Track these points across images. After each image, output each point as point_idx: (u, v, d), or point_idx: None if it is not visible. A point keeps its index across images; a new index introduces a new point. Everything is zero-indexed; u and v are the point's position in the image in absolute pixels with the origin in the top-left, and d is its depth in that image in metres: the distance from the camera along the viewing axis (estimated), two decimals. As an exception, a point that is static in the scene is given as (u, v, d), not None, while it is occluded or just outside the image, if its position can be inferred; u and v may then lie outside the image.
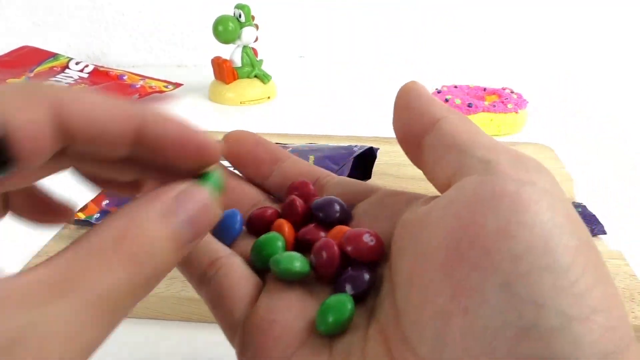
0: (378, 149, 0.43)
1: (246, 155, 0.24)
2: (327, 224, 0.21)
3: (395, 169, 0.47)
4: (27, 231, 0.42)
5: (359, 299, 0.19)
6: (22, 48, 0.77)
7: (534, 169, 0.16)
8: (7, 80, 0.67)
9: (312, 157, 0.41)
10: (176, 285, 0.33)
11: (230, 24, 0.66)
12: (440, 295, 0.15)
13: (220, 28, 0.66)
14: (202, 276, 0.20)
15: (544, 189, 0.16)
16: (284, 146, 0.45)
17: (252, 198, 0.24)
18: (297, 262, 0.19)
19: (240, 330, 0.19)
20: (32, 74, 0.71)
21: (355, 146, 0.43)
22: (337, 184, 0.23)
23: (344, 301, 0.18)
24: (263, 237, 0.21)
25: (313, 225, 0.21)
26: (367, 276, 0.19)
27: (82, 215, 0.39)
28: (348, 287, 0.19)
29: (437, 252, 0.16)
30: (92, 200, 0.41)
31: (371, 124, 0.62)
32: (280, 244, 0.20)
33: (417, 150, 0.19)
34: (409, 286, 0.17)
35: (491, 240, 0.15)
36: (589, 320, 0.14)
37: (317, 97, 0.71)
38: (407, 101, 0.20)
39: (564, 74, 0.79)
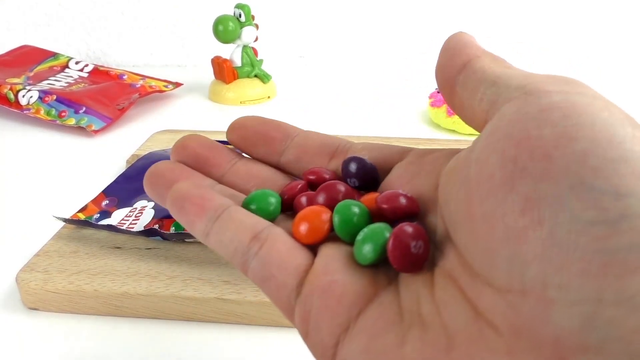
0: (378, 149, 0.43)
1: (254, 136, 0.24)
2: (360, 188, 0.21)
3: (395, 169, 0.47)
4: (27, 230, 0.42)
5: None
6: (21, 47, 0.77)
7: (576, 83, 0.16)
8: (6, 80, 0.67)
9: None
10: (176, 285, 0.33)
11: (230, 24, 0.66)
12: (507, 215, 0.14)
13: (220, 28, 0.66)
14: (246, 253, 0.19)
15: (593, 96, 0.15)
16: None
17: (271, 180, 0.23)
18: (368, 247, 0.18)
19: (299, 300, 0.18)
20: (31, 73, 0.71)
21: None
22: (362, 149, 0.23)
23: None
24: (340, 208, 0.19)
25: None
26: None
27: (82, 216, 0.39)
28: None
29: (492, 176, 0.15)
30: (91, 201, 0.41)
31: (371, 124, 0.62)
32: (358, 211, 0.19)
33: (451, 91, 0.19)
34: (468, 220, 0.16)
35: (552, 147, 0.14)
36: None
37: (317, 97, 0.71)
38: (447, 46, 0.20)
39: (564, 74, 0.79)
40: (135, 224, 0.37)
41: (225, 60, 0.68)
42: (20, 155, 0.56)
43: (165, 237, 0.36)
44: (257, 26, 0.68)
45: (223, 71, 0.68)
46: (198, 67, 0.86)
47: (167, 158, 0.46)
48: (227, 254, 0.19)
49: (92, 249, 0.37)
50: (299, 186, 0.21)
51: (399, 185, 0.21)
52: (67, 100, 0.62)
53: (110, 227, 0.37)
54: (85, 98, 0.63)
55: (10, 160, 0.55)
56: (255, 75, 0.70)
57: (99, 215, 0.39)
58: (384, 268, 0.18)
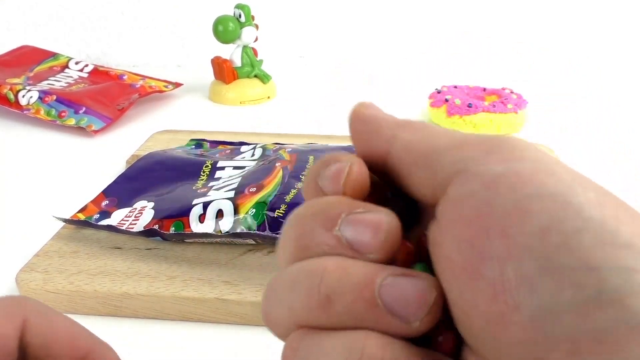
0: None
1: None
2: None
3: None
4: (27, 230, 0.42)
5: None
6: (22, 47, 0.77)
7: (513, 146, 0.15)
8: (6, 80, 0.67)
9: (312, 158, 0.41)
10: (176, 285, 0.33)
11: (230, 24, 0.66)
12: (478, 301, 0.14)
13: (220, 28, 0.66)
14: None
15: (535, 159, 0.15)
16: (282, 146, 0.45)
17: None
18: None
19: None
20: (31, 74, 0.71)
21: (355, 146, 0.43)
22: None
23: None
24: None
25: None
26: None
27: (81, 216, 0.39)
28: None
29: (450, 261, 0.15)
30: (91, 201, 0.41)
31: (371, 124, 0.62)
32: None
33: (387, 175, 0.18)
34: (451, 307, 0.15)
35: (507, 225, 0.14)
36: None
37: (317, 97, 0.71)
38: (357, 129, 0.19)
39: (564, 74, 0.79)
40: (135, 224, 0.37)
41: (225, 60, 0.68)
42: (20, 155, 0.56)
43: (165, 238, 0.36)
44: (257, 26, 0.68)
45: (223, 71, 0.68)
46: (198, 67, 0.86)
47: (167, 158, 0.46)
48: None
49: (92, 249, 0.37)
50: None
51: None
52: (67, 101, 0.62)
53: (110, 228, 0.37)
54: (85, 98, 0.63)
55: (10, 160, 0.55)
56: (255, 76, 0.70)
57: (98, 215, 0.39)
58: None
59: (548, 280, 0.13)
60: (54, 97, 0.63)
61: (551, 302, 0.13)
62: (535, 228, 0.13)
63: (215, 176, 0.42)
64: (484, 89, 0.63)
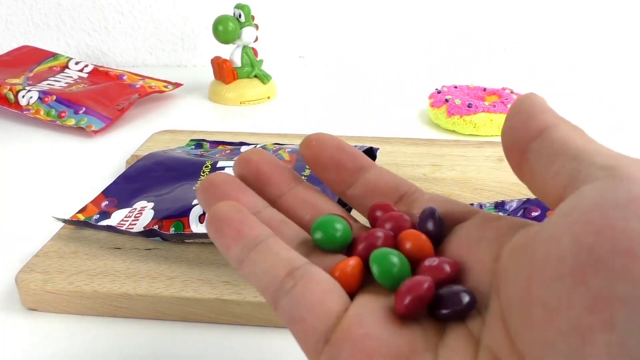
0: (378, 149, 0.43)
1: (328, 161, 0.23)
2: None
3: (395, 169, 0.47)
4: (26, 231, 0.42)
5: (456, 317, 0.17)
6: (21, 48, 0.77)
7: None
8: (6, 80, 0.67)
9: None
10: (176, 285, 0.33)
11: (230, 24, 0.66)
12: (572, 308, 0.13)
13: (220, 28, 0.66)
14: (278, 289, 0.18)
15: None
16: (282, 146, 0.45)
17: (328, 211, 0.22)
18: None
19: (327, 346, 0.17)
20: (31, 74, 0.71)
21: (355, 146, 0.43)
22: (429, 200, 0.22)
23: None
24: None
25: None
26: (466, 298, 0.17)
27: (81, 217, 0.39)
28: (444, 311, 0.17)
29: (561, 260, 0.14)
30: (91, 202, 0.41)
31: (371, 124, 0.62)
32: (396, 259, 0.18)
33: (521, 158, 0.18)
34: (526, 304, 0.15)
35: (637, 245, 0.13)
36: None
37: (317, 97, 0.71)
38: (519, 108, 0.19)
39: (564, 74, 0.79)
40: (135, 224, 0.37)
41: (225, 60, 0.68)
42: (20, 156, 0.56)
43: (164, 238, 0.36)
44: (257, 26, 0.68)
45: (223, 71, 0.68)
46: (198, 67, 0.86)
47: (167, 158, 0.46)
48: (259, 287, 0.19)
49: (92, 249, 0.37)
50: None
51: (457, 248, 0.20)
52: (66, 101, 0.62)
53: (109, 228, 0.37)
54: (85, 98, 0.63)
55: (10, 160, 0.55)
56: (255, 76, 0.70)
57: (98, 215, 0.39)
58: (422, 332, 0.17)
59: None
60: (54, 97, 0.62)
61: None
62: None
63: (215, 176, 0.42)
64: (484, 89, 0.63)
